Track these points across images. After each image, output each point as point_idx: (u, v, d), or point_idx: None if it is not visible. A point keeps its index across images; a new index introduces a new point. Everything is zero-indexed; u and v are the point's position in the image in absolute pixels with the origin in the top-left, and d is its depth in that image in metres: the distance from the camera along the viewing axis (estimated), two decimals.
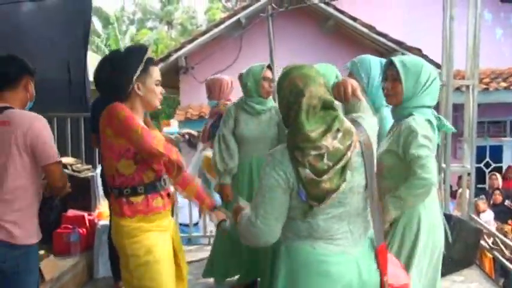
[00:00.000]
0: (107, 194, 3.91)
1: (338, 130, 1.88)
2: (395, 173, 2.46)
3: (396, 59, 2.56)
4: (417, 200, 2.39)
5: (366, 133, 1.99)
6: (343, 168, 1.86)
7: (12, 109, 2.57)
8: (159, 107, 2.57)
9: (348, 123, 1.93)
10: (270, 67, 3.65)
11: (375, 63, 2.94)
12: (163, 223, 2.54)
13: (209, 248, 4.40)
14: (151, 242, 2.45)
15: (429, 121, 2.49)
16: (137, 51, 2.49)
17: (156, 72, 2.51)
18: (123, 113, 2.35)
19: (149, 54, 2.48)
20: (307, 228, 1.94)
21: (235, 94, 4.28)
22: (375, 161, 2.02)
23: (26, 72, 2.67)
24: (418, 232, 2.46)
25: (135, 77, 2.42)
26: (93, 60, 15.04)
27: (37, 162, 2.56)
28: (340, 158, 1.85)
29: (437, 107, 4.92)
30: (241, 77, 3.78)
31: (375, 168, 2.01)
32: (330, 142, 1.85)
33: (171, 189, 2.66)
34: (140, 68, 2.43)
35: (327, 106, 1.92)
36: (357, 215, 1.98)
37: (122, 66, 2.42)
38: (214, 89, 4.37)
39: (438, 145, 2.58)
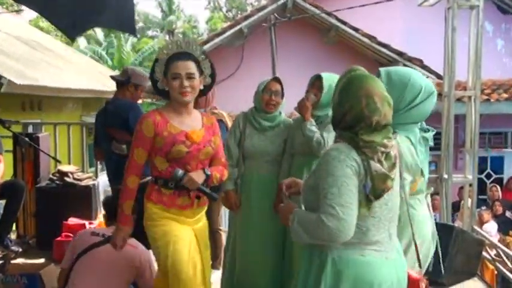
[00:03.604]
0: None
1: (391, 140, 2.01)
2: None
3: (383, 70, 2.48)
4: None
5: (396, 141, 2.12)
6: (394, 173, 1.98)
7: None
8: (184, 100, 2.65)
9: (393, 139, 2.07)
10: (276, 79, 3.52)
11: None
12: (188, 219, 2.71)
13: None
14: (168, 228, 2.64)
15: (409, 139, 2.43)
16: (164, 49, 2.69)
17: (174, 67, 2.62)
18: (138, 126, 2.66)
19: (171, 51, 2.64)
20: (357, 233, 1.93)
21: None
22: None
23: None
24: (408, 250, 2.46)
25: (159, 76, 2.66)
26: (92, 67, 15.02)
27: None
28: (393, 163, 1.97)
29: (438, 118, 4.96)
30: None
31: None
32: (389, 145, 1.97)
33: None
34: (162, 66, 2.64)
35: (387, 125, 2.01)
36: (393, 220, 2.05)
37: (154, 65, 2.68)
38: (200, 98, 4.24)
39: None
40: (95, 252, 3.18)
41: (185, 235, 2.68)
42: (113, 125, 3.87)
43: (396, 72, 2.48)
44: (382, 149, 1.93)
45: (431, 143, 2.56)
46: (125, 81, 3.94)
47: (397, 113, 2.37)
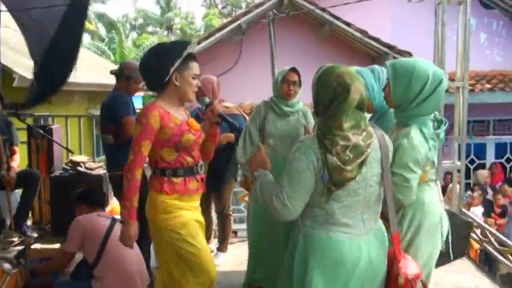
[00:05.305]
0: (117, 195, 3.95)
1: (363, 129, 2.04)
2: None
3: (389, 63, 2.45)
4: None
5: (381, 132, 2.16)
6: (362, 163, 2.01)
7: None
8: (192, 100, 2.69)
9: (369, 126, 2.10)
10: (294, 70, 3.52)
11: (365, 73, 2.79)
12: (195, 204, 2.71)
13: None
14: (184, 219, 2.60)
15: (422, 132, 2.38)
16: (178, 45, 2.62)
17: (194, 67, 2.62)
18: (143, 119, 2.53)
19: (190, 49, 2.59)
20: (324, 215, 2.06)
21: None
22: (391, 156, 2.17)
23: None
24: (419, 230, 2.45)
25: (172, 69, 2.54)
26: (97, 62, 14.90)
27: None
28: (360, 153, 2.00)
29: None
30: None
31: (389, 162, 2.16)
32: (356, 138, 2.00)
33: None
34: (179, 61, 2.55)
35: (360, 106, 2.05)
36: (369, 206, 2.10)
37: (163, 58, 2.56)
38: (207, 91, 4.14)
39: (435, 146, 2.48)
40: (116, 234, 3.14)
41: (199, 223, 2.71)
42: (102, 116, 3.94)
43: (401, 63, 2.43)
44: (342, 142, 1.97)
45: (442, 141, 2.53)
46: (118, 73, 3.93)
47: (409, 105, 2.37)
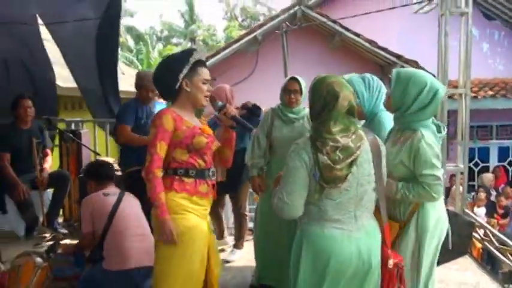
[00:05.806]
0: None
1: (353, 133, 2.09)
2: (407, 180, 2.43)
3: (395, 70, 2.54)
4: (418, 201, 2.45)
5: (373, 136, 2.21)
6: (351, 163, 2.06)
7: None
8: (205, 104, 2.63)
9: (360, 129, 2.16)
10: (294, 79, 3.50)
11: (356, 81, 2.82)
12: (204, 210, 2.56)
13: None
14: (189, 223, 2.45)
15: (433, 133, 2.45)
16: (185, 53, 2.57)
17: (203, 72, 2.56)
18: (158, 122, 2.47)
19: (198, 56, 2.54)
20: (318, 212, 2.12)
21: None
22: (384, 156, 2.21)
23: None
24: (427, 230, 2.46)
25: (181, 76, 2.50)
26: (126, 71, 15.10)
27: None
28: (350, 154, 2.05)
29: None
30: None
31: (383, 162, 2.20)
32: (345, 140, 2.06)
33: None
34: (187, 68, 2.51)
35: (350, 111, 2.11)
36: (361, 204, 2.13)
37: (172, 67, 2.53)
38: (221, 99, 4.01)
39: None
40: (121, 211, 3.16)
41: (205, 231, 2.54)
42: None
43: (405, 70, 2.53)
44: (332, 144, 2.03)
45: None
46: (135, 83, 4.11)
47: (407, 110, 2.42)
